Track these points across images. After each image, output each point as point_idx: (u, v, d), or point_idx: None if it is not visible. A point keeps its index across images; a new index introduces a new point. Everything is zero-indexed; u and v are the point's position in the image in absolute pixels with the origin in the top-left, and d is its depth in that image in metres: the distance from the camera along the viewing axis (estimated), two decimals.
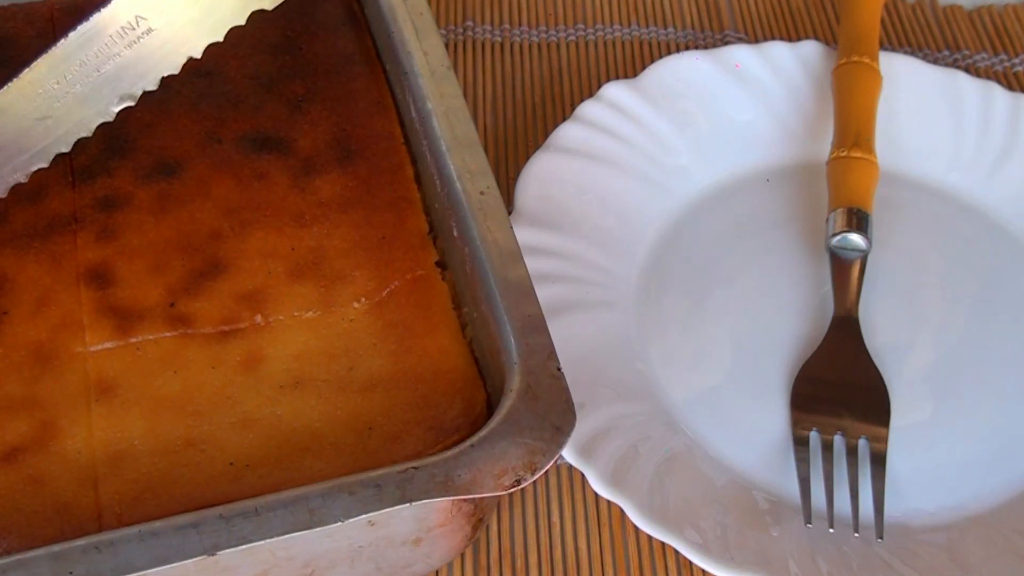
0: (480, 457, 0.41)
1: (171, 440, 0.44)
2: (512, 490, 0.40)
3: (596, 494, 0.52)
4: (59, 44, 0.41)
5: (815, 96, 0.67)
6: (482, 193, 0.48)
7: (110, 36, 0.41)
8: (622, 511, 0.51)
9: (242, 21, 0.42)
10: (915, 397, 0.56)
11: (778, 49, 0.68)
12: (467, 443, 0.41)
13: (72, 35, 0.41)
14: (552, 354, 0.43)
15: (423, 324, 0.48)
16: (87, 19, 0.41)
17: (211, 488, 0.43)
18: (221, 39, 0.42)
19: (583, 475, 0.53)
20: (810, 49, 0.68)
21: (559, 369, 0.43)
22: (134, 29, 0.41)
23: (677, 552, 0.51)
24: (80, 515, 0.42)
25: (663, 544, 0.51)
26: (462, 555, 0.51)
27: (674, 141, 0.64)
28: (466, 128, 0.50)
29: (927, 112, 0.66)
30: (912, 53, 0.72)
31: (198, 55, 0.42)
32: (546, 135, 0.64)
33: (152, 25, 0.41)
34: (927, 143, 0.66)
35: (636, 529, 0.52)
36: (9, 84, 0.42)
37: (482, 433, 0.41)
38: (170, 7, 0.41)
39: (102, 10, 0.41)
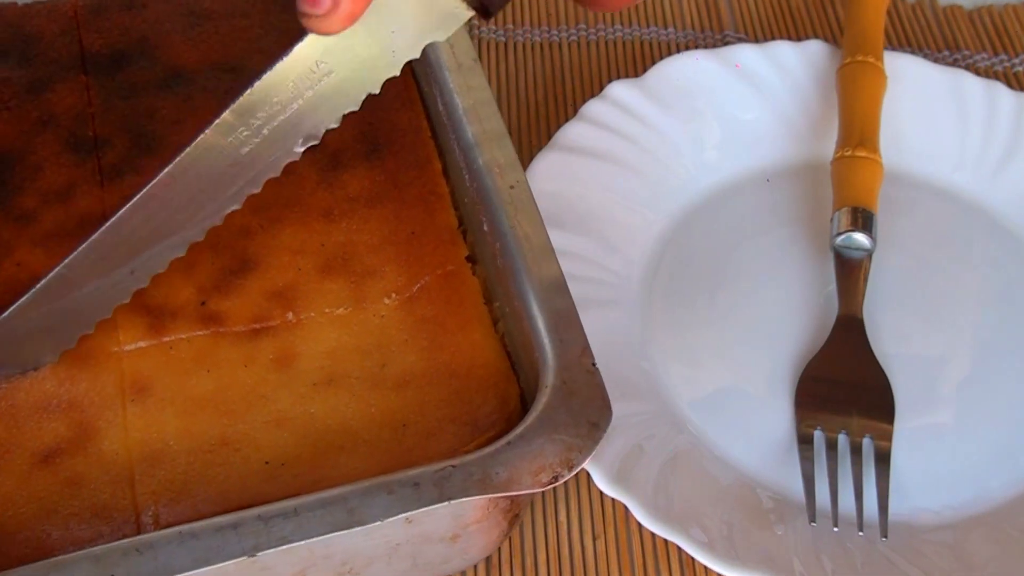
0: (517, 455, 0.41)
1: (206, 439, 0.44)
2: (549, 487, 0.40)
3: (601, 494, 0.53)
4: (246, 93, 0.42)
5: (820, 95, 0.66)
6: (512, 187, 0.48)
7: (292, 82, 0.42)
8: (627, 510, 0.51)
9: (417, 55, 0.43)
10: (919, 396, 0.55)
11: (783, 48, 0.67)
12: (503, 440, 0.41)
13: (257, 84, 0.42)
14: (586, 349, 0.43)
15: (455, 319, 0.48)
16: (271, 68, 0.42)
17: (247, 487, 0.43)
18: (398, 73, 0.43)
19: (588, 474, 0.53)
20: (815, 49, 0.67)
21: (594, 365, 0.43)
22: (314, 73, 0.42)
23: (681, 551, 0.51)
24: (118, 516, 0.43)
25: (667, 543, 0.52)
26: None
27: (679, 140, 0.64)
28: (494, 122, 0.50)
29: (932, 112, 0.66)
30: (912, 53, 0.71)
31: (376, 91, 0.43)
32: (549, 134, 0.65)
33: (332, 68, 0.42)
34: (932, 143, 0.65)
35: (641, 528, 0.52)
36: (202, 135, 0.43)
37: (518, 430, 0.41)
38: (348, 51, 0.42)
39: (284, 58, 0.42)
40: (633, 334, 0.57)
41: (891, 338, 0.57)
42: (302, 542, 0.39)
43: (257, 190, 0.45)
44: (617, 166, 0.62)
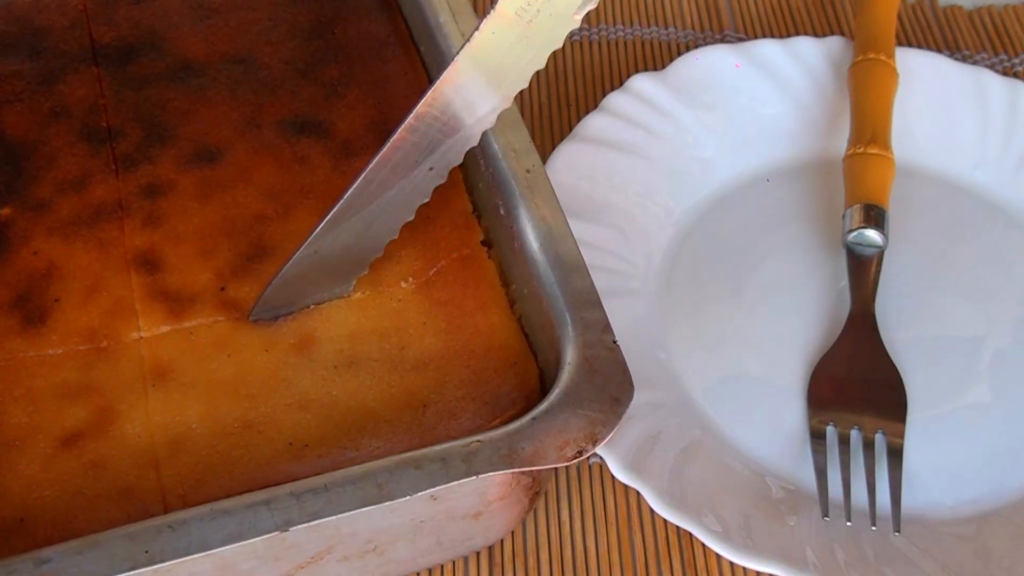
0: (542, 430, 0.41)
1: (229, 422, 0.45)
2: (574, 461, 0.41)
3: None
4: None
5: (840, 91, 0.67)
6: (528, 171, 0.48)
7: (511, 17, 0.43)
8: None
9: None
10: (932, 392, 0.56)
11: (805, 44, 0.68)
12: (528, 416, 0.42)
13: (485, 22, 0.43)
14: (607, 327, 0.44)
15: (472, 302, 0.48)
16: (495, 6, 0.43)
17: (272, 468, 0.44)
18: (595, 5, 0.43)
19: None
20: (836, 44, 0.68)
21: (615, 342, 0.43)
22: (529, 8, 0.43)
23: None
24: (144, 497, 0.43)
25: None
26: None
27: (699, 133, 0.65)
28: (508, 108, 0.50)
29: (953, 109, 0.66)
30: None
31: (576, 26, 0.44)
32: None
33: (540, 8, 0.43)
34: (952, 140, 0.66)
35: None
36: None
37: (543, 406, 0.42)
38: None
39: None
40: (650, 324, 0.57)
41: (904, 334, 0.57)
42: (333, 517, 0.39)
43: (524, 85, 0.45)
44: (637, 158, 0.62)
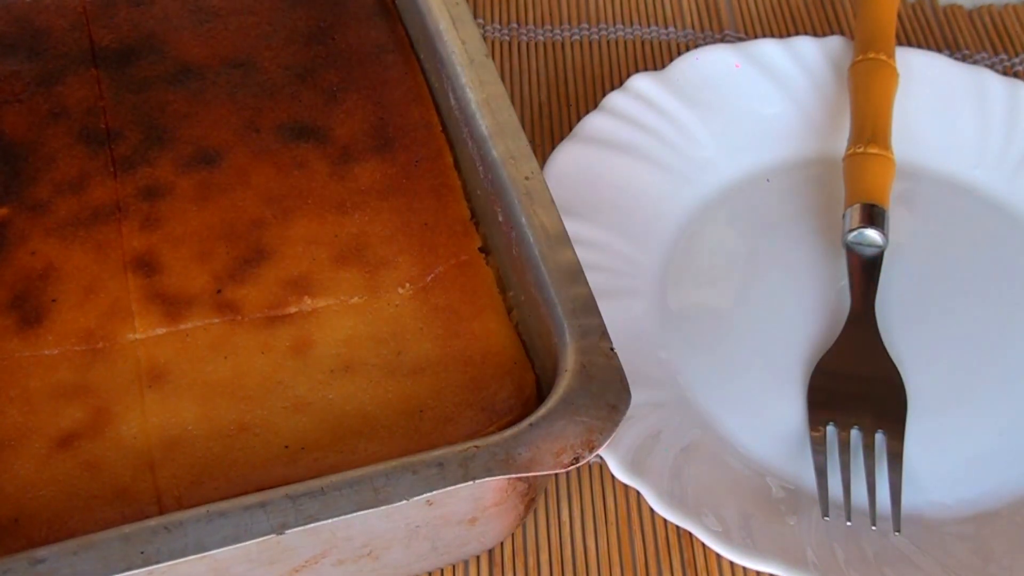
0: (539, 436, 0.41)
1: (225, 425, 0.45)
2: (570, 468, 0.41)
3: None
4: None
5: (840, 91, 0.67)
6: (527, 178, 0.48)
7: None
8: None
9: None
10: (932, 391, 0.56)
11: (805, 44, 0.68)
12: (525, 422, 0.42)
13: None
14: (605, 334, 0.44)
15: (469, 308, 0.48)
16: None
17: (267, 471, 0.44)
18: None
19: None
20: (836, 44, 0.68)
21: (612, 349, 0.44)
22: None
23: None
24: (139, 499, 0.43)
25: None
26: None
27: (699, 133, 0.65)
28: (507, 115, 0.50)
29: (953, 109, 0.66)
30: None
31: None
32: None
33: None
34: (952, 140, 0.66)
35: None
36: None
37: (540, 412, 0.42)
38: None
39: None
40: (650, 324, 0.57)
41: (904, 334, 0.57)
42: (328, 520, 0.39)
43: None
44: (637, 158, 0.62)
